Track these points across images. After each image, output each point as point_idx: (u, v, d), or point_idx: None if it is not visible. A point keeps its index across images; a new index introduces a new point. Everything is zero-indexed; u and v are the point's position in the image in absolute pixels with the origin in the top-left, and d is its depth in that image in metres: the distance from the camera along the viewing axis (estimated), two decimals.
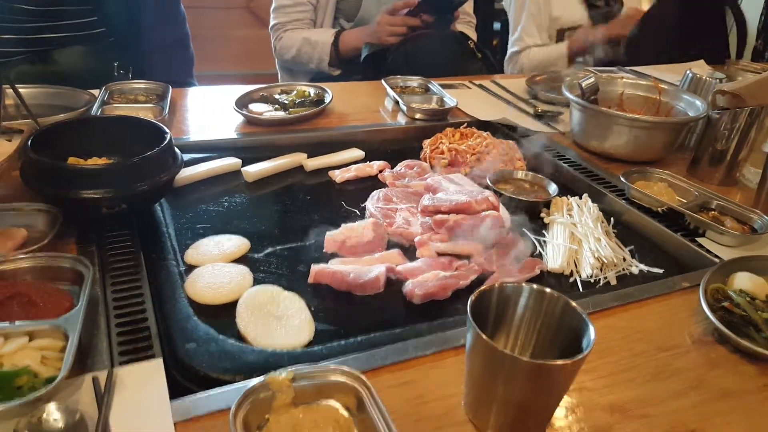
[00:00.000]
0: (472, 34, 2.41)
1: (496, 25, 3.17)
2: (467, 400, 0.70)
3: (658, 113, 1.57)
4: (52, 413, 0.62)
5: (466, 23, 2.45)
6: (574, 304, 0.67)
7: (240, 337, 0.84)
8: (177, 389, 0.72)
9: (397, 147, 1.53)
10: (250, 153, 1.38)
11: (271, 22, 2.32)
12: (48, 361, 0.69)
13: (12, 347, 0.68)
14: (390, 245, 1.10)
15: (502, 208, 1.14)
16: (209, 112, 1.61)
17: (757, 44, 3.04)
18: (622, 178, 1.28)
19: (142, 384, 0.70)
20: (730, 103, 1.33)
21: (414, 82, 1.89)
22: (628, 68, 2.30)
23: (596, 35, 2.40)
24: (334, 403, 0.66)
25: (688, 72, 1.64)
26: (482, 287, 0.68)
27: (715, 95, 1.36)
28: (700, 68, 1.68)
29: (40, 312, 0.77)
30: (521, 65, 2.54)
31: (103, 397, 0.66)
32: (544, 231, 1.16)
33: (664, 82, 1.65)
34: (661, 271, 1.06)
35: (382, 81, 1.83)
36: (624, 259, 1.09)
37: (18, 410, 0.61)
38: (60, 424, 0.62)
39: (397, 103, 1.72)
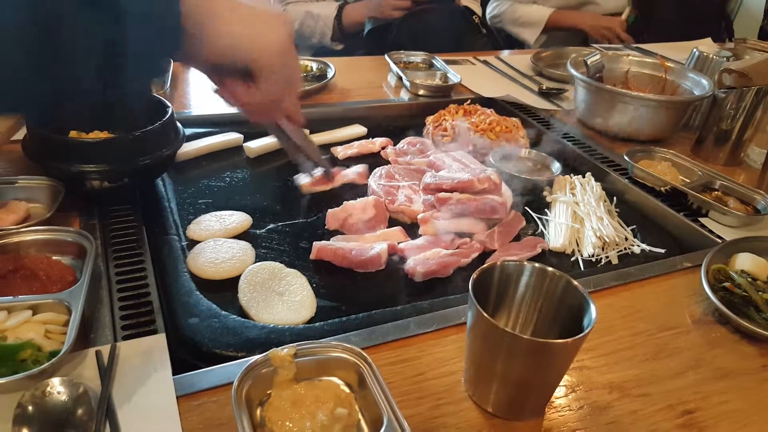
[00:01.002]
0: (477, 9, 2.38)
1: None
2: (467, 377, 0.71)
3: (663, 92, 1.56)
4: (56, 386, 0.63)
5: None
6: (575, 282, 0.67)
7: (242, 313, 0.84)
8: (179, 364, 0.72)
9: (400, 123, 1.52)
10: (251, 128, 1.36)
11: None
12: (51, 335, 0.69)
13: (16, 321, 0.68)
14: (391, 222, 1.10)
15: (504, 186, 1.14)
16: (211, 86, 1.60)
17: (764, 24, 3.01)
18: (625, 157, 1.27)
19: (145, 358, 0.70)
20: (737, 82, 1.32)
21: (418, 57, 1.87)
22: (634, 46, 2.28)
23: (577, 21, 2.40)
24: (335, 379, 0.66)
25: (694, 50, 1.63)
26: (484, 265, 0.68)
27: (722, 74, 1.35)
28: (707, 46, 1.65)
29: (43, 286, 0.77)
30: (502, 12, 2.51)
31: (107, 371, 0.67)
32: (546, 209, 1.16)
33: (670, 60, 1.63)
34: (662, 250, 1.06)
35: (386, 56, 1.81)
36: (626, 239, 1.09)
37: (22, 383, 0.62)
38: (64, 397, 0.62)
39: (400, 78, 1.70)
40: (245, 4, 0.69)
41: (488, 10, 2.58)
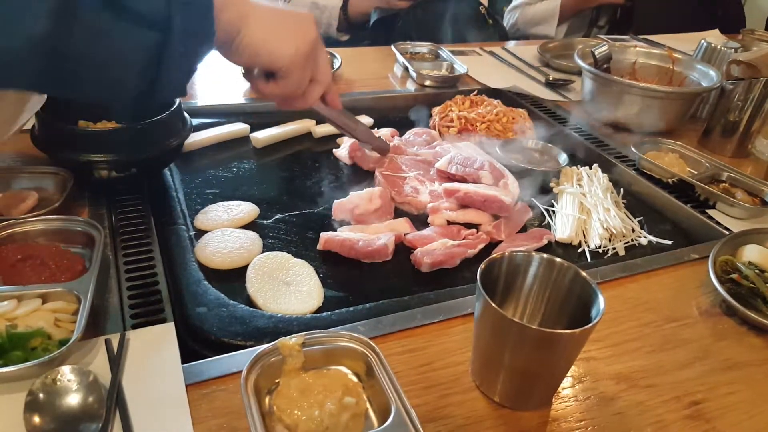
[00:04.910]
0: None
1: None
2: (474, 367, 0.71)
3: (671, 83, 1.55)
4: (66, 374, 0.63)
5: None
6: (584, 273, 0.67)
7: (250, 302, 0.84)
8: (188, 352, 0.73)
9: (406, 114, 1.51)
10: (258, 119, 1.37)
11: None
12: (61, 324, 0.70)
13: (26, 309, 0.69)
14: (398, 213, 1.10)
15: (511, 177, 1.13)
16: (217, 76, 1.60)
17: None
18: (632, 149, 1.27)
19: (154, 347, 0.71)
20: (745, 73, 1.31)
21: (424, 48, 1.86)
22: (641, 37, 2.27)
23: None
24: (343, 368, 0.66)
25: (702, 41, 1.62)
26: (492, 255, 0.68)
27: (730, 65, 1.34)
28: (714, 38, 1.65)
29: (52, 275, 0.77)
30: (516, 20, 2.51)
31: (116, 360, 0.67)
32: (553, 201, 1.16)
33: (677, 52, 1.62)
34: (669, 242, 1.06)
35: (392, 47, 1.81)
36: (633, 230, 1.08)
37: (32, 371, 0.62)
38: (74, 385, 0.63)
39: (406, 69, 1.70)
40: (274, 9, 0.75)
41: (505, 21, 2.57)
